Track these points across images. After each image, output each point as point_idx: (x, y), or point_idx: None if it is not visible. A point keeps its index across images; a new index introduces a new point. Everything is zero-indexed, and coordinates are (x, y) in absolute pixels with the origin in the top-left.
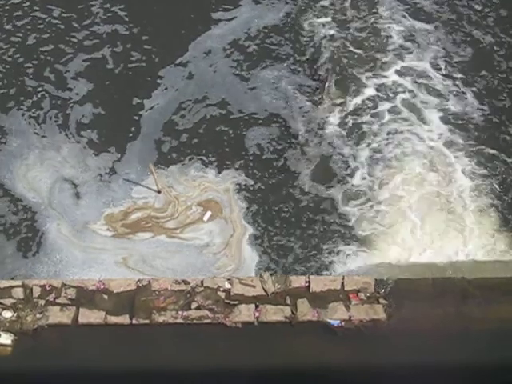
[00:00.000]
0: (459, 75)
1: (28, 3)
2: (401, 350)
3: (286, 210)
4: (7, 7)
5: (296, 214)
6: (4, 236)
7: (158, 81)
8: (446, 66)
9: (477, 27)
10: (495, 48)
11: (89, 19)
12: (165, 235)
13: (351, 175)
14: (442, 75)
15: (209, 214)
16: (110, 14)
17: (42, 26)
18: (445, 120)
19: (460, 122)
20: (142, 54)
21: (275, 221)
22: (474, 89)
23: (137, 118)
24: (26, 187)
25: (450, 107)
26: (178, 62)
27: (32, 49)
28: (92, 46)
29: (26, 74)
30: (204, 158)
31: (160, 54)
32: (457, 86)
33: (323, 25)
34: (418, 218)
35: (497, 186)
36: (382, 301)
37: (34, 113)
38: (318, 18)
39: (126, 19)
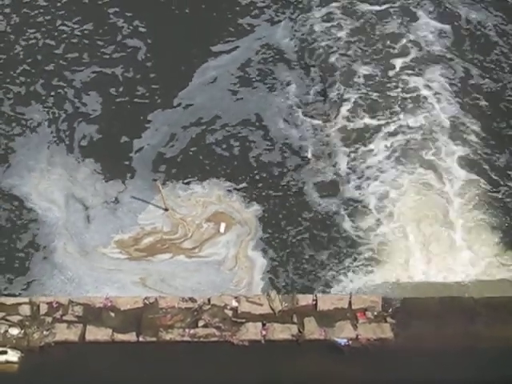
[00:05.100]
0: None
1: (66, 15)
2: (408, 369)
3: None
4: (48, 17)
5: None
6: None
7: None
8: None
9: None
10: None
11: (115, 36)
12: (183, 255)
13: (351, 189)
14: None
15: (223, 225)
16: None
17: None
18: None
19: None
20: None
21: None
22: None
23: (131, 155)
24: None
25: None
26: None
27: (57, 56)
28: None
29: (43, 77)
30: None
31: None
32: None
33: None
34: (424, 235)
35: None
36: (389, 320)
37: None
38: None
39: (149, 41)
